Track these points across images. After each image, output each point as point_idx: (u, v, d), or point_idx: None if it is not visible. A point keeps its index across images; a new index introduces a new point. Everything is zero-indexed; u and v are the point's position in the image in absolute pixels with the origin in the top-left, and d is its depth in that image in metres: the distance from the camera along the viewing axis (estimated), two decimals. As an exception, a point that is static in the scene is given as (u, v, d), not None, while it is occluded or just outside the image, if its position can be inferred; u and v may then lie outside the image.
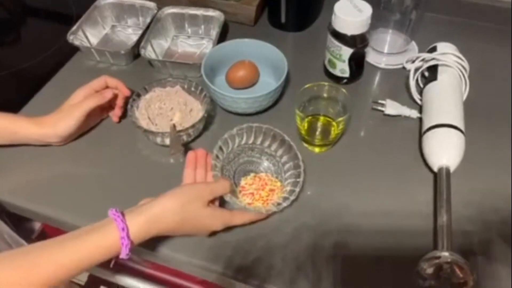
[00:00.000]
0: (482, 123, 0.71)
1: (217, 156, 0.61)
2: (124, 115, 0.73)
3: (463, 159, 0.62)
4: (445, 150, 0.62)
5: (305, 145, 0.69)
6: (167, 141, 0.67)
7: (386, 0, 0.77)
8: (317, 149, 0.68)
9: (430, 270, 0.52)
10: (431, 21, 0.87)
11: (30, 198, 0.64)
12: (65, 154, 0.69)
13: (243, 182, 0.63)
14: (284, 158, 0.63)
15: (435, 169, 0.62)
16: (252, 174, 0.64)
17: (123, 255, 0.50)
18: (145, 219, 0.51)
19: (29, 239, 0.78)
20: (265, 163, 0.66)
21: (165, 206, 0.52)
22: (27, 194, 0.65)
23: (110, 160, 0.68)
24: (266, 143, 0.65)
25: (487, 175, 0.65)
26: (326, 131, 0.69)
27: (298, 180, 0.58)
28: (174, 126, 0.65)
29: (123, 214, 0.51)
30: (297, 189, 0.57)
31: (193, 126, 0.66)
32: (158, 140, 0.68)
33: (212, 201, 0.57)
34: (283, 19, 0.87)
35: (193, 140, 0.70)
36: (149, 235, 0.52)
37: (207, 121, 0.72)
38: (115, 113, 0.72)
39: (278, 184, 0.62)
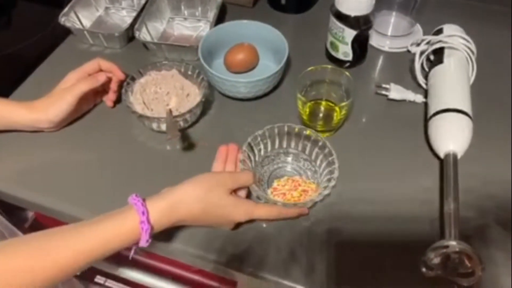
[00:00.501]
0: (489, 107, 0.69)
1: (247, 154, 0.58)
2: (118, 100, 0.70)
3: (470, 140, 0.60)
4: (452, 135, 0.60)
5: (307, 130, 0.67)
6: (163, 127, 0.64)
7: (391, -20, 0.74)
8: None
9: (437, 260, 0.50)
10: (436, 3, 0.85)
11: (22, 186, 0.62)
12: (58, 141, 0.66)
13: (275, 183, 0.60)
14: (320, 159, 0.59)
15: (442, 155, 0.60)
16: (285, 177, 0.61)
17: (143, 241, 0.47)
18: (166, 204, 0.49)
19: (22, 227, 0.77)
20: (301, 168, 0.62)
21: (187, 192, 0.50)
22: (19, 182, 0.62)
23: (104, 146, 0.66)
24: (300, 146, 0.61)
25: (490, 161, 0.63)
26: (328, 116, 0.67)
27: (332, 176, 0.55)
28: (170, 111, 0.63)
29: (143, 200, 0.49)
30: (331, 184, 0.54)
31: (190, 111, 0.64)
32: (154, 125, 0.65)
33: (235, 191, 0.54)
34: (283, 1, 0.84)
35: (190, 125, 0.68)
36: (170, 221, 0.50)
37: (205, 106, 0.69)
38: (109, 98, 0.70)
39: (313, 186, 0.59)
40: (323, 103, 0.68)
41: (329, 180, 0.55)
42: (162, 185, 0.60)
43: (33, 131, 0.66)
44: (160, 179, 0.61)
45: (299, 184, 0.59)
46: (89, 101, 0.69)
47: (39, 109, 0.63)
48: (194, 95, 0.68)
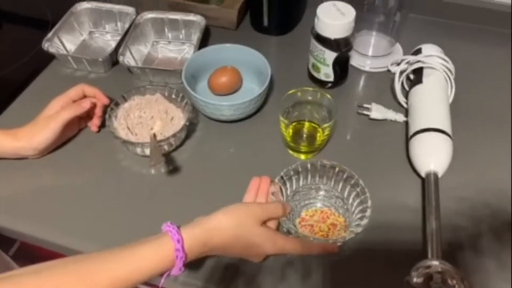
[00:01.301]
0: (470, 123, 0.70)
1: (279, 187, 0.58)
2: (103, 124, 0.71)
3: (452, 157, 0.62)
4: (432, 155, 0.61)
5: (291, 152, 0.67)
6: (148, 152, 0.65)
7: (370, 1, 0.75)
8: (303, 156, 0.67)
9: (420, 280, 0.51)
10: (415, 23, 0.87)
11: (6, 214, 0.61)
12: (42, 167, 0.66)
13: (303, 213, 0.60)
14: (352, 197, 0.59)
15: (423, 174, 0.61)
16: (313, 208, 0.61)
17: (176, 269, 0.47)
18: (201, 232, 0.49)
19: (7, 253, 0.76)
20: (333, 205, 0.61)
21: (220, 221, 0.50)
22: (2, 211, 0.62)
23: (88, 172, 0.66)
24: (332, 182, 0.61)
25: (475, 172, 0.65)
26: (311, 137, 0.68)
27: (364, 214, 0.55)
28: (154, 135, 0.64)
29: (178, 227, 0.49)
30: (363, 223, 0.54)
31: (174, 135, 0.64)
32: (138, 150, 0.65)
33: (264, 223, 0.54)
34: (265, 23, 0.85)
35: (174, 149, 0.68)
36: (204, 249, 0.49)
37: (189, 129, 0.70)
38: (94, 123, 0.70)
39: (341, 219, 0.59)
40: (306, 124, 0.69)
41: (361, 218, 0.55)
42: (147, 210, 0.61)
43: (16, 158, 0.66)
44: (146, 204, 0.62)
45: (327, 217, 0.59)
46: (73, 127, 0.69)
47: (23, 137, 0.63)
48: (178, 118, 0.69)
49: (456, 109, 0.68)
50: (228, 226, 0.50)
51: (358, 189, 0.58)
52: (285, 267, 0.56)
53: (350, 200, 0.59)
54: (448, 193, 0.59)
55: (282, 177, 0.59)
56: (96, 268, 0.45)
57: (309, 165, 0.60)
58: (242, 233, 0.51)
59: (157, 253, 0.47)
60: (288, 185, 0.60)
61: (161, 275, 0.48)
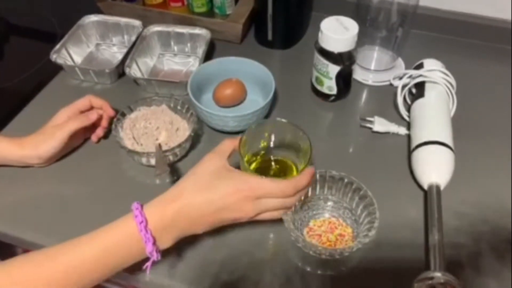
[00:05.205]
0: (471, 137, 0.71)
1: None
2: (105, 136, 0.71)
3: (453, 171, 0.62)
4: (434, 167, 0.62)
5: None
6: (153, 162, 0.65)
7: (372, 17, 0.77)
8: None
9: (422, 291, 0.51)
10: (417, 38, 0.88)
11: (10, 222, 0.62)
12: (47, 176, 0.67)
13: (311, 223, 0.61)
14: (360, 208, 0.59)
15: (425, 186, 0.62)
16: (322, 218, 0.62)
17: (149, 245, 0.47)
18: (159, 199, 0.50)
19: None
20: (341, 216, 0.62)
21: (182, 185, 0.51)
22: (7, 218, 0.62)
23: (94, 181, 0.67)
24: (341, 193, 0.62)
25: (477, 188, 0.65)
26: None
27: (372, 225, 0.55)
28: (159, 145, 0.64)
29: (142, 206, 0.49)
30: (370, 233, 0.54)
31: (179, 145, 0.65)
32: (143, 160, 0.66)
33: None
34: (270, 37, 0.87)
35: (179, 159, 0.69)
36: (167, 214, 0.48)
37: (194, 140, 0.71)
38: (97, 133, 0.71)
39: (349, 230, 0.60)
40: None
41: (369, 229, 0.56)
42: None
43: (22, 166, 0.67)
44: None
45: (335, 227, 0.60)
46: (79, 137, 0.70)
47: (29, 145, 0.64)
48: (183, 129, 0.69)
49: (457, 123, 0.69)
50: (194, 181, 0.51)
51: (366, 200, 0.58)
52: (285, 284, 0.56)
53: (358, 211, 0.60)
54: (448, 209, 0.60)
55: None
56: (53, 256, 0.47)
57: (317, 176, 0.60)
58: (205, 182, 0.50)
59: (119, 232, 0.48)
60: None
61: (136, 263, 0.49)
